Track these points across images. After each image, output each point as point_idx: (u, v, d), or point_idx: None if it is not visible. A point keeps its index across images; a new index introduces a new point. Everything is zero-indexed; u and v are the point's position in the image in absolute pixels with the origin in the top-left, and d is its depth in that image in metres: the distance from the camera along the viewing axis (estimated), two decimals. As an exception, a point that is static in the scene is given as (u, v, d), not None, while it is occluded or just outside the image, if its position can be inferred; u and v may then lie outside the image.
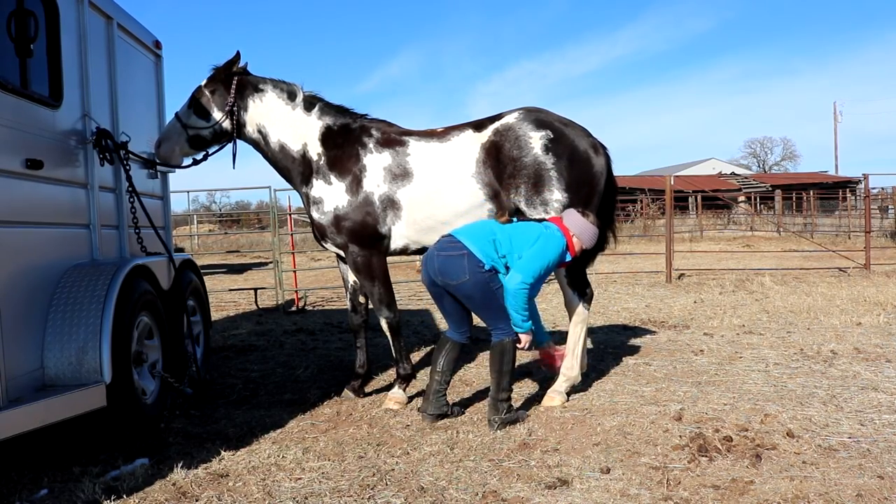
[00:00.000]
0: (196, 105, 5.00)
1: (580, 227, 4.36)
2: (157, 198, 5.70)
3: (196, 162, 5.17)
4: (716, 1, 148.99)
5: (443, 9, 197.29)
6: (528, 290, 4.20)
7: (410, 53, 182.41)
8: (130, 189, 4.68)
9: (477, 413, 4.65)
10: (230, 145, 5.15)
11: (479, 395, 5.08)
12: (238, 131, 5.05)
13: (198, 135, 5.00)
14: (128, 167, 4.69)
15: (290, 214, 12.43)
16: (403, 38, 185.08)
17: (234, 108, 4.98)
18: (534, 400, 4.94)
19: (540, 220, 4.46)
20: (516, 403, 4.85)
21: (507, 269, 4.27)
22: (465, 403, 4.90)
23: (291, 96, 5.04)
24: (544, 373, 5.66)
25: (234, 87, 4.96)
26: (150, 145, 5.33)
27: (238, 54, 5.00)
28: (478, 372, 5.84)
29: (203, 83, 5.03)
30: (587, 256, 4.98)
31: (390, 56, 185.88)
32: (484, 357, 6.41)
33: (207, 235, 26.65)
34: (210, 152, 5.16)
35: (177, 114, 5.05)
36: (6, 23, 3.66)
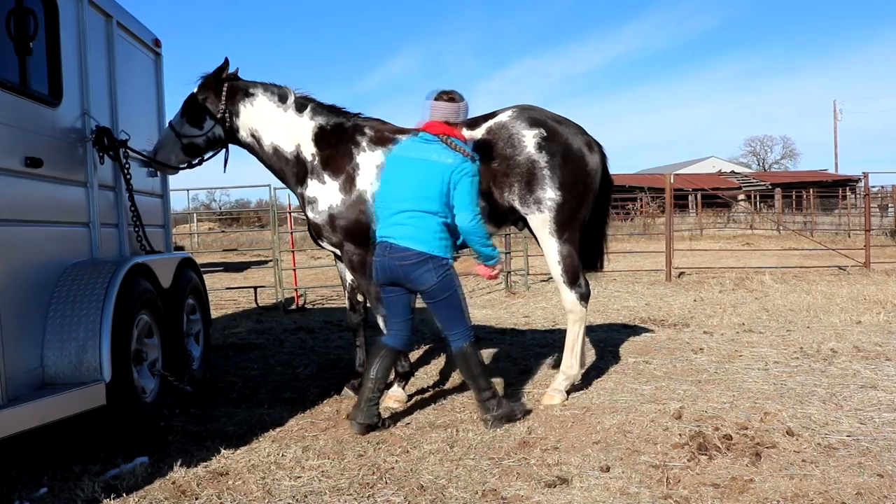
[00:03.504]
0: (188, 114, 5.02)
1: (451, 114, 4.27)
2: (156, 196, 5.70)
3: (191, 165, 5.19)
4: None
5: (444, 7, 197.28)
6: (480, 217, 4.21)
7: (412, 52, 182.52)
8: (129, 188, 4.68)
9: (476, 411, 4.65)
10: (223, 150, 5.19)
11: (479, 394, 5.08)
12: (231, 137, 5.07)
13: (192, 143, 5.03)
14: (127, 165, 4.69)
15: (289, 213, 12.42)
16: (405, 37, 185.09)
17: (226, 115, 4.98)
18: (533, 398, 4.94)
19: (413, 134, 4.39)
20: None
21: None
22: (465, 401, 4.90)
23: (283, 98, 5.03)
24: (543, 371, 5.67)
25: (224, 93, 4.97)
26: (150, 143, 5.34)
27: (227, 60, 5.01)
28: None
29: (194, 91, 5.04)
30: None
31: (392, 54, 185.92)
32: (484, 355, 6.40)
33: (207, 234, 26.62)
34: (205, 158, 5.19)
35: (170, 123, 5.08)
36: (5, 21, 3.65)
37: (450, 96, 4.33)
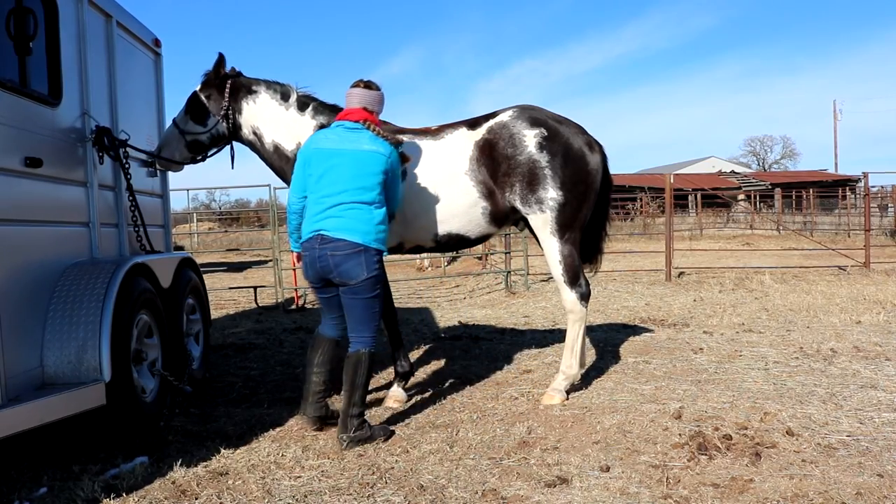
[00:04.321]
0: (192, 111, 5.04)
1: (370, 101, 4.28)
2: (156, 196, 5.70)
3: (195, 161, 5.21)
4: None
5: (445, 6, 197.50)
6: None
7: (412, 51, 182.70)
8: (129, 187, 4.68)
9: (476, 411, 4.65)
10: (229, 147, 5.21)
11: (479, 393, 5.08)
12: (234, 134, 5.09)
13: (196, 140, 5.06)
14: (127, 165, 4.69)
15: (289, 213, 12.41)
16: (405, 36, 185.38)
17: (229, 112, 4.99)
18: (533, 398, 4.94)
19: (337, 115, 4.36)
20: (515, 403, 4.86)
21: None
22: (465, 401, 4.90)
23: (285, 97, 5.04)
24: (543, 371, 5.67)
25: (227, 90, 4.98)
26: (149, 143, 5.35)
27: (221, 56, 5.01)
28: (479, 369, 5.84)
29: (198, 88, 5.06)
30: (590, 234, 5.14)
31: (392, 54, 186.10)
32: (483, 355, 6.41)
33: (207, 234, 26.63)
34: (209, 155, 5.20)
35: (174, 120, 5.10)
36: (5, 20, 3.65)
37: (367, 84, 4.33)
